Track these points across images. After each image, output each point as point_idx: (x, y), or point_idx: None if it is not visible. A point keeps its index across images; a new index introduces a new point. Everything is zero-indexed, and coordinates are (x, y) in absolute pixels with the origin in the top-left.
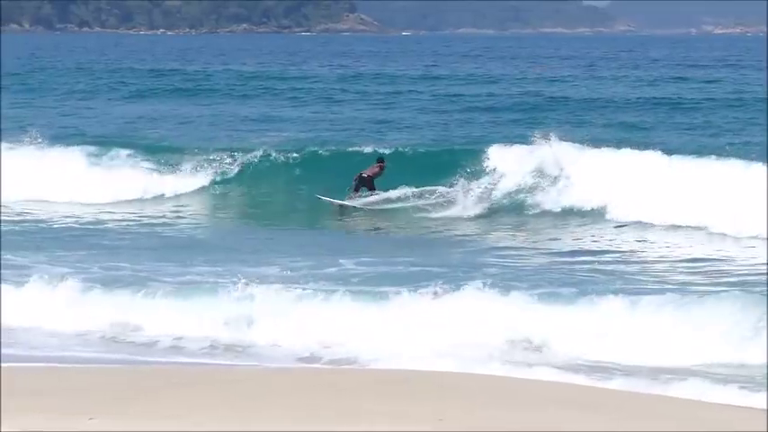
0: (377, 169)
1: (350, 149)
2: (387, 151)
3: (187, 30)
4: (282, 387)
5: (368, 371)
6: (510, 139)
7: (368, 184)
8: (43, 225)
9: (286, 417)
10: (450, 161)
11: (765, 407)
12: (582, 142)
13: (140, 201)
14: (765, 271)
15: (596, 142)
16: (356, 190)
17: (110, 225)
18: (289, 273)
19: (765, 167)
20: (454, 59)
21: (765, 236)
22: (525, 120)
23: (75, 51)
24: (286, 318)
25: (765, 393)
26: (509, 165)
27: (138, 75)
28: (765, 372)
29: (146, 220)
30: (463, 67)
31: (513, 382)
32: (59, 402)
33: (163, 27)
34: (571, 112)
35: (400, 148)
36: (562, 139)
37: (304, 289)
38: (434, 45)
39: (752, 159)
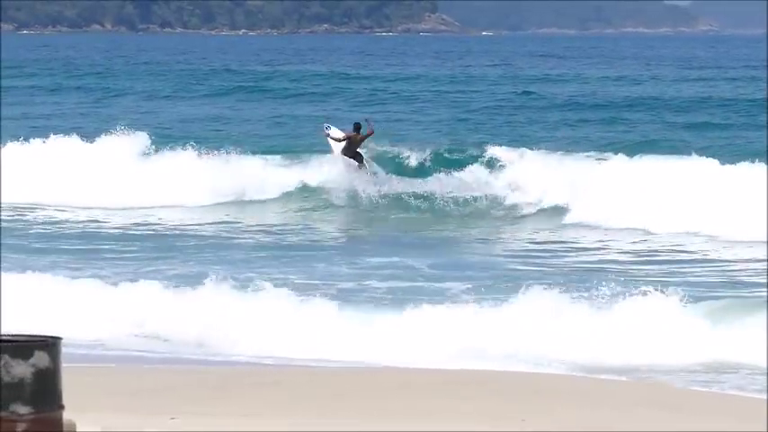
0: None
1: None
2: None
3: (268, 30)
4: (361, 387)
5: (449, 371)
6: None
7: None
8: (179, 231)
9: (366, 416)
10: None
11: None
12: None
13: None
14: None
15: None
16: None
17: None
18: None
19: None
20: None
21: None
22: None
23: (163, 51)
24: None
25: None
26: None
27: (243, 75)
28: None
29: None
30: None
31: (595, 383)
32: (141, 402)
33: (244, 27)
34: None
35: None
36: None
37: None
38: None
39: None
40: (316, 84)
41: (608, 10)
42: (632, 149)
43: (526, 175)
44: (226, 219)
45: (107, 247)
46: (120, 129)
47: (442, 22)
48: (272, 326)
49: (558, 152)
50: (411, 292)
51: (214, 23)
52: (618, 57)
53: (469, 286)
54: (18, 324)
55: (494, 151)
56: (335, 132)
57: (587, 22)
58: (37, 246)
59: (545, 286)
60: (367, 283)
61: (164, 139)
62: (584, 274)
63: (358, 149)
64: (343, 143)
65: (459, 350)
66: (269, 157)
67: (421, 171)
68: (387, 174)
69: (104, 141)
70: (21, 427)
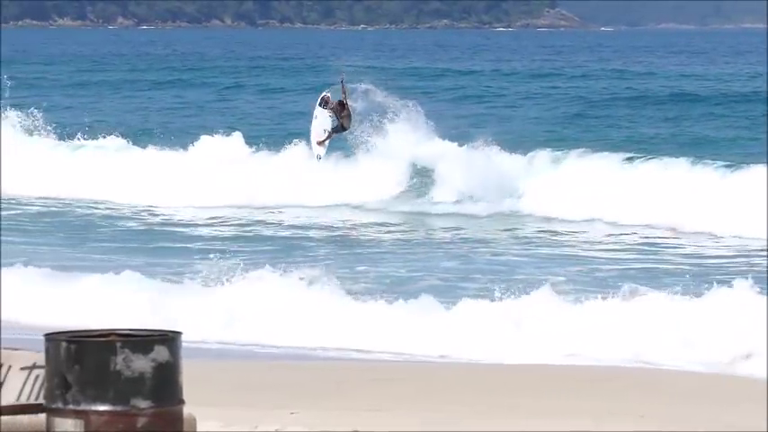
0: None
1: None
2: None
3: (387, 25)
4: (478, 383)
5: (566, 367)
6: None
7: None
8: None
9: (485, 413)
10: None
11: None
12: None
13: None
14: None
15: None
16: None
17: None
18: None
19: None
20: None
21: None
22: None
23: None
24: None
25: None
26: None
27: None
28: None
29: None
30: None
31: (714, 379)
32: (262, 397)
33: (363, 23)
34: None
35: None
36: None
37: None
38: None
39: None
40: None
41: (727, 5)
42: None
43: None
44: (350, 217)
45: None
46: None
47: (562, 18)
48: (386, 323)
49: None
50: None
51: (333, 18)
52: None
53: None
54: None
55: None
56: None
57: (706, 18)
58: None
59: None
60: (478, 279)
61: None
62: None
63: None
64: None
65: (572, 347)
66: None
67: None
68: None
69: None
70: (141, 421)
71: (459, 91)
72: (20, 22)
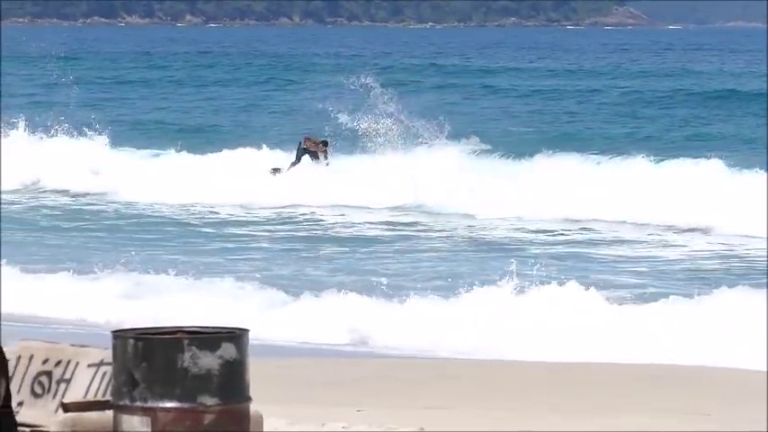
0: (318, 148)
1: None
2: None
3: (455, 23)
4: (543, 381)
5: (628, 366)
6: None
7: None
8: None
9: (549, 411)
10: None
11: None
12: None
13: None
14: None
15: None
16: (298, 160)
17: None
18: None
19: None
20: None
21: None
22: None
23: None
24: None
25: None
26: None
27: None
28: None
29: None
30: None
31: None
32: (328, 394)
33: (431, 21)
34: None
35: None
36: None
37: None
38: None
39: None
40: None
41: None
42: None
43: None
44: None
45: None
46: None
47: (630, 16)
48: (452, 321)
49: None
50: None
51: (401, 16)
52: None
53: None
54: None
55: None
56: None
57: None
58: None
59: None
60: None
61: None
62: None
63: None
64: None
65: (643, 345)
66: None
67: None
68: None
69: None
70: (208, 418)
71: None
72: (88, 20)
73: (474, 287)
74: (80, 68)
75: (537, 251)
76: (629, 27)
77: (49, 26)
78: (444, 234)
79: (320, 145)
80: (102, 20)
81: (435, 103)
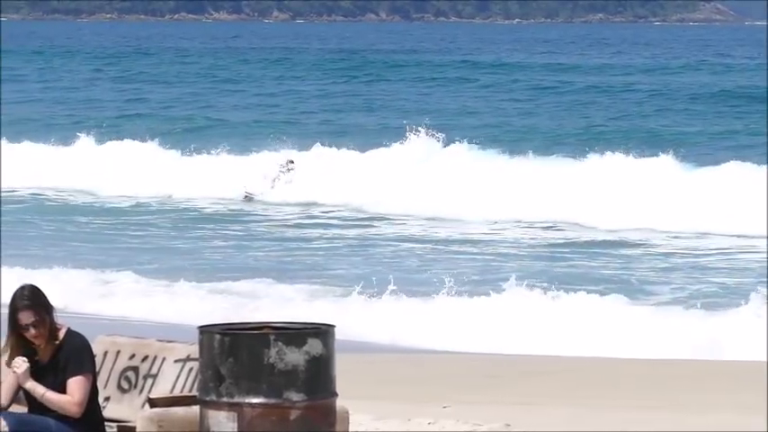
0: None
1: None
2: None
3: (542, 20)
4: (626, 378)
5: (712, 362)
6: None
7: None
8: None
9: (634, 408)
10: None
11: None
12: None
13: None
14: None
15: None
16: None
17: None
18: None
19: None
20: None
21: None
22: None
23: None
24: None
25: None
26: None
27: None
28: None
29: None
30: None
31: None
32: (414, 390)
33: (518, 17)
34: None
35: None
36: None
37: None
38: None
39: None
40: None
41: None
42: None
43: None
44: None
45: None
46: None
47: (717, 12)
48: (537, 319)
49: None
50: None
51: (488, 13)
52: None
53: None
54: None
55: None
56: None
57: None
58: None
59: None
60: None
61: None
62: None
63: None
64: None
65: (713, 342)
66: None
67: None
68: None
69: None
70: (294, 414)
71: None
72: (176, 16)
73: (559, 286)
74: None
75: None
76: (716, 23)
77: (136, 22)
78: (532, 236)
79: (280, 173)
80: (190, 16)
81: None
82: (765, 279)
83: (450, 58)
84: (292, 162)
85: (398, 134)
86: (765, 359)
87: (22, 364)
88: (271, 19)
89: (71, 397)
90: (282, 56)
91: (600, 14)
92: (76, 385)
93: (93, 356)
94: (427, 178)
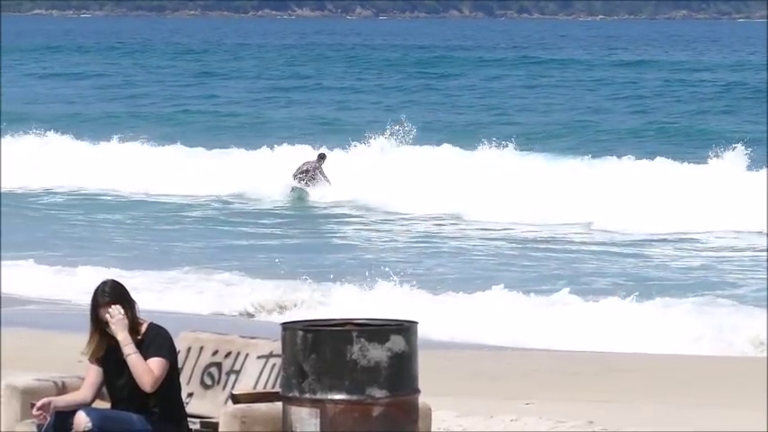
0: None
1: None
2: None
3: (626, 16)
4: (714, 375)
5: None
6: None
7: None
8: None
9: (716, 405)
10: None
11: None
12: None
13: None
14: None
15: None
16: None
17: None
18: None
19: None
20: None
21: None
22: None
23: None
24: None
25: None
26: None
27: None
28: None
29: None
30: None
31: None
32: (497, 387)
33: (602, 13)
34: None
35: None
36: None
37: None
38: None
39: None
40: None
41: None
42: None
43: None
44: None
45: None
46: None
47: None
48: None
49: None
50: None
51: (571, 9)
52: None
53: None
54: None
55: None
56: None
57: None
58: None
59: None
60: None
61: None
62: None
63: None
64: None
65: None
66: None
67: None
68: None
69: None
70: (376, 410)
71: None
72: (259, 13)
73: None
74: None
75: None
76: None
77: (219, 19)
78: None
79: (314, 168)
80: (273, 12)
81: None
82: None
83: (521, 54)
84: (323, 157)
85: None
86: None
87: (117, 313)
88: (354, 16)
89: (151, 370)
90: (361, 53)
91: (683, 11)
92: (156, 364)
93: (174, 349)
94: (505, 181)
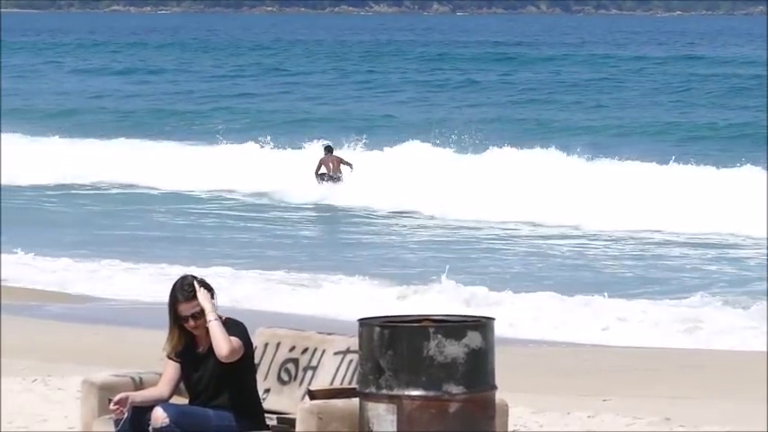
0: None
1: None
2: None
3: (703, 12)
4: None
5: None
6: None
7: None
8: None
9: None
10: None
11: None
12: None
13: None
14: None
15: None
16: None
17: None
18: None
19: None
20: None
21: None
22: None
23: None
24: None
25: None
26: None
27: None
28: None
29: None
30: None
31: None
32: (574, 383)
33: (679, 9)
34: None
35: None
36: None
37: None
38: None
39: None
40: None
41: None
42: None
43: None
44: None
45: None
46: None
47: None
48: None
49: None
50: None
51: (648, 5)
52: None
53: None
54: None
55: None
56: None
57: None
58: None
59: None
60: None
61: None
62: None
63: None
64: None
65: None
66: None
67: None
68: None
69: None
70: (453, 407)
71: None
72: (336, 9)
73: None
74: None
75: None
76: None
77: (296, 15)
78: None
79: (340, 162)
80: (351, 8)
81: None
82: None
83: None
84: (330, 150)
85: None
86: None
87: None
88: (431, 11)
89: (230, 339)
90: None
91: (761, 6)
92: (235, 340)
93: (251, 343)
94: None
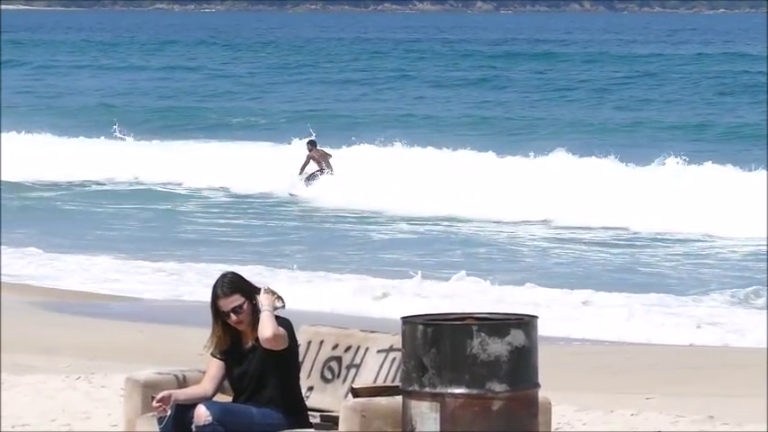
0: (324, 158)
1: None
2: None
3: (747, 9)
4: None
5: None
6: None
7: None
8: None
9: None
10: None
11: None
12: None
13: None
14: None
15: None
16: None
17: None
18: None
19: None
20: None
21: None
22: None
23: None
24: None
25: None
26: None
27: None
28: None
29: None
30: None
31: None
32: (618, 381)
33: (723, 7)
34: None
35: None
36: None
37: None
38: None
39: None
40: None
41: None
42: None
43: None
44: None
45: None
46: None
47: None
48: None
49: None
50: None
51: (692, 3)
52: None
53: None
54: None
55: None
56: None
57: None
58: None
59: None
60: None
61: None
62: None
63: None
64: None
65: None
66: None
67: None
68: None
69: None
70: (496, 404)
71: None
72: (379, 7)
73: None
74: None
75: None
76: None
77: (339, 13)
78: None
79: (326, 155)
80: (394, 7)
81: None
82: None
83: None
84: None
85: None
86: None
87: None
88: (474, 10)
89: (277, 326)
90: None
91: None
92: (281, 328)
93: (296, 338)
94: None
